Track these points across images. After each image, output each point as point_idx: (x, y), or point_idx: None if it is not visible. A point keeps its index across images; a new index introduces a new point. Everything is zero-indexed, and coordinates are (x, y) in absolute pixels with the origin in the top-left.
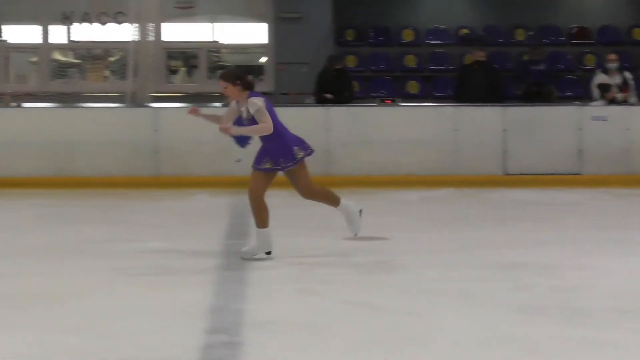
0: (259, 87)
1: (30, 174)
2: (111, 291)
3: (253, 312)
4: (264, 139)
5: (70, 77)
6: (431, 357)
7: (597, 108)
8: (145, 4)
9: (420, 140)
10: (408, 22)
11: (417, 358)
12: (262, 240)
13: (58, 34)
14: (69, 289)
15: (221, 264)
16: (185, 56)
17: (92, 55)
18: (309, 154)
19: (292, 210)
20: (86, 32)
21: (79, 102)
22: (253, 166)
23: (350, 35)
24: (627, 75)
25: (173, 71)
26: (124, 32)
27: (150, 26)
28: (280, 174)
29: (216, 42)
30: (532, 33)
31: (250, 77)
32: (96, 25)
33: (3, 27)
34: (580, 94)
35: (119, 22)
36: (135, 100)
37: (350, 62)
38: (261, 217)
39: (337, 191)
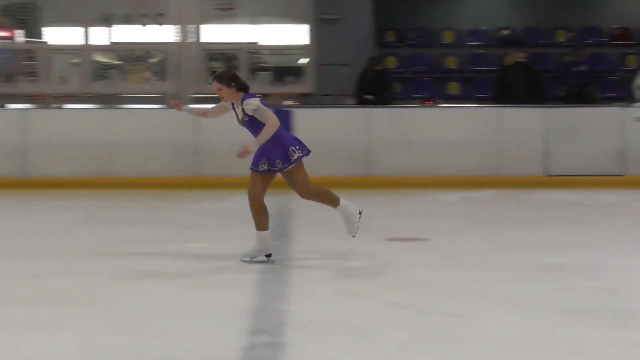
0: (300, 88)
1: (71, 175)
2: (152, 292)
3: (294, 313)
4: None
5: (111, 78)
6: (479, 359)
7: (639, 109)
8: (185, 6)
9: (461, 141)
10: (448, 23)
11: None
12: (261, 243)
13: (99, 36)
14: (110, 289)
15: (262, 265)
16: (225, 58)
17: (133, 57)
18: (306, 154)
19: (324, 211)
20: (127, 33)
21: (120, 104)
22: (251, 168)
23: (390, 36)
24: None
25: (213, 72)
26: (165, 33)
27: (191, 27)
28: (279, 174)
29: (256, 43)
30: (573, 34)
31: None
32: (137, 26)
33: (44, 29)
34: (622, 95)
35: (160, 24)
36: None
37: (391, 63)
38: (261, 220)
39: (377, 192)
